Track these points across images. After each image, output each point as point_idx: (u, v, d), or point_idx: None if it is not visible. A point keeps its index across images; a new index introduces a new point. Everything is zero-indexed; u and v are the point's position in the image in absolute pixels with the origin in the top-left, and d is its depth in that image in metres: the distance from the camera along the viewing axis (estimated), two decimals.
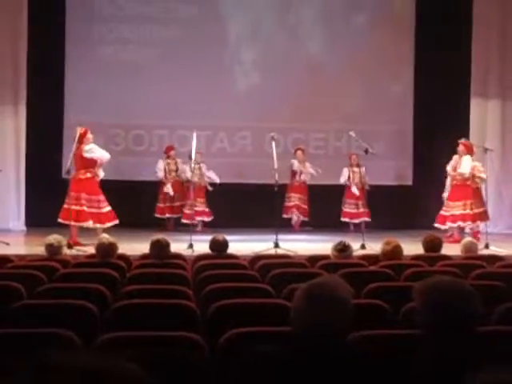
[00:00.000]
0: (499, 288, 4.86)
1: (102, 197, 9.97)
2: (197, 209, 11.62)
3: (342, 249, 6.32)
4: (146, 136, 12.43)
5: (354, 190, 11.95)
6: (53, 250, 6.41)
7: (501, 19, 12.32)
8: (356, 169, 11.90)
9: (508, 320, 3.90)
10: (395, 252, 6.32)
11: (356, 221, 11.98)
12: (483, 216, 10.76)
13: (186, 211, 11.70)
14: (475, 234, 10.56)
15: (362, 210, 11.90)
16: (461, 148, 10.90)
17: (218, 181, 11.80)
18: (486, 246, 9.27)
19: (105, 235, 6.76)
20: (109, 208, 9.98)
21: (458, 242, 9.06)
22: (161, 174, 11.76)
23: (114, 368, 0.93)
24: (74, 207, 9.76)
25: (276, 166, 9.87)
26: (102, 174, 10.12)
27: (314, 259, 6.56)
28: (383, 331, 3.48)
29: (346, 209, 12.10)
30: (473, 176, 10.74)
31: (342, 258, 6.23)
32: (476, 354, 2.45)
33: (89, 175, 9.89)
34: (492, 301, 3.99)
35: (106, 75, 12.33)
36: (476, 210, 10.76)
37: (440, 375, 2.41)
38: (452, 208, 10.83)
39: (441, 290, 2.56)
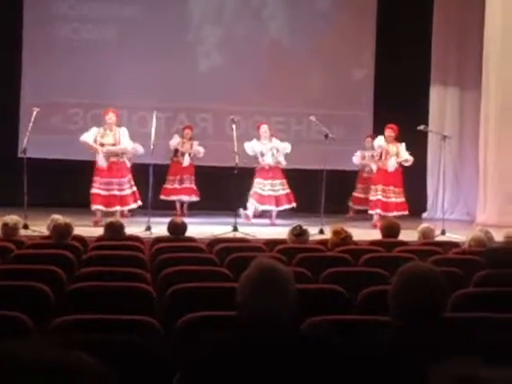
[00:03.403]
0: (456, 274, 4.90)
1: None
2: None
3: (299, 233, 6.32)
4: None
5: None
6: (8, 230, 6.30)
7: (460, 8, 12.40)
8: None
9: (464, 306, 3.93)
10: (345, 241, 6.29)
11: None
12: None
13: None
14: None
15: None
16: (391, 133, 10.97)
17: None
18: (443, 233, 9.38)
19: (58, 216, 6.66)
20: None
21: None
22: None
23: (74, 362, 0.88)
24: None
25: (236, 149, 9.84)
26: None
27: (272, 243, 6.57)
28: (340, 316, 3.48)
29: None
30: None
31: (298, 243, 6.23)
32: (440, 340, 2.46)
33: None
34: (448, 287, 4.01)
35: (64, 54, 12.12)
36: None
37: (403, 359, 2.41)
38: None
39: (413, 276, 2.57)
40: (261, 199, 10.83)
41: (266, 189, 10.87)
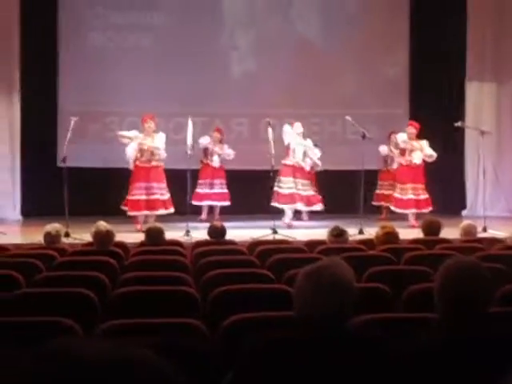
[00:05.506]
0: (500, 270, 4.83)
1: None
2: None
3: (339, 234, 6.33)
4: (140, 123, 12.29)
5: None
6: (51, 238, 6.37)
7: (496, 3, 12.25)
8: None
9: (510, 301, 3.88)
10: (389, 237, 6.27)
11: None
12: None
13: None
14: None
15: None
16: (413, 130, 10.88)
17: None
18: (484, 230, 9.26)
19: (102, 222, 6.71)
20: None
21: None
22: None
23: (130, 355, 0.88)
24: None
25: (273, 152, 9.83)
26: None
27: (312, 244, 6.55)
28: (386, 315, 3.45)
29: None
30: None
31: (338, 243, 6.22)
32: (487, 335, 2.42)
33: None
34: (494, 282, 3.96)
35: (99, 62, 12.23)
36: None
37: (450, 356, 2.38)
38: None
39: (457, 269, 2.53)
40: (284, 199, 10.69)
41: (288, 187, 10.69)
